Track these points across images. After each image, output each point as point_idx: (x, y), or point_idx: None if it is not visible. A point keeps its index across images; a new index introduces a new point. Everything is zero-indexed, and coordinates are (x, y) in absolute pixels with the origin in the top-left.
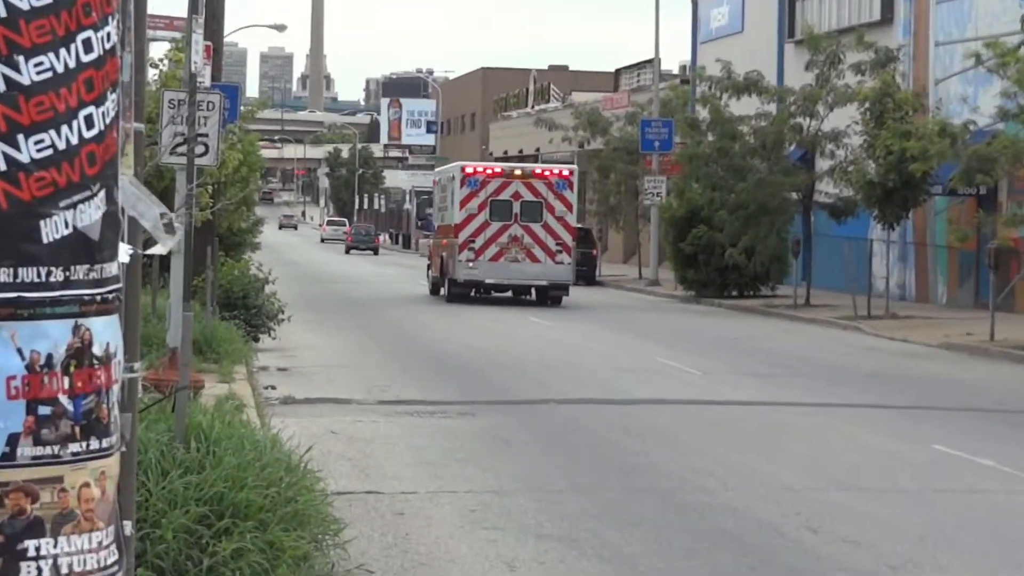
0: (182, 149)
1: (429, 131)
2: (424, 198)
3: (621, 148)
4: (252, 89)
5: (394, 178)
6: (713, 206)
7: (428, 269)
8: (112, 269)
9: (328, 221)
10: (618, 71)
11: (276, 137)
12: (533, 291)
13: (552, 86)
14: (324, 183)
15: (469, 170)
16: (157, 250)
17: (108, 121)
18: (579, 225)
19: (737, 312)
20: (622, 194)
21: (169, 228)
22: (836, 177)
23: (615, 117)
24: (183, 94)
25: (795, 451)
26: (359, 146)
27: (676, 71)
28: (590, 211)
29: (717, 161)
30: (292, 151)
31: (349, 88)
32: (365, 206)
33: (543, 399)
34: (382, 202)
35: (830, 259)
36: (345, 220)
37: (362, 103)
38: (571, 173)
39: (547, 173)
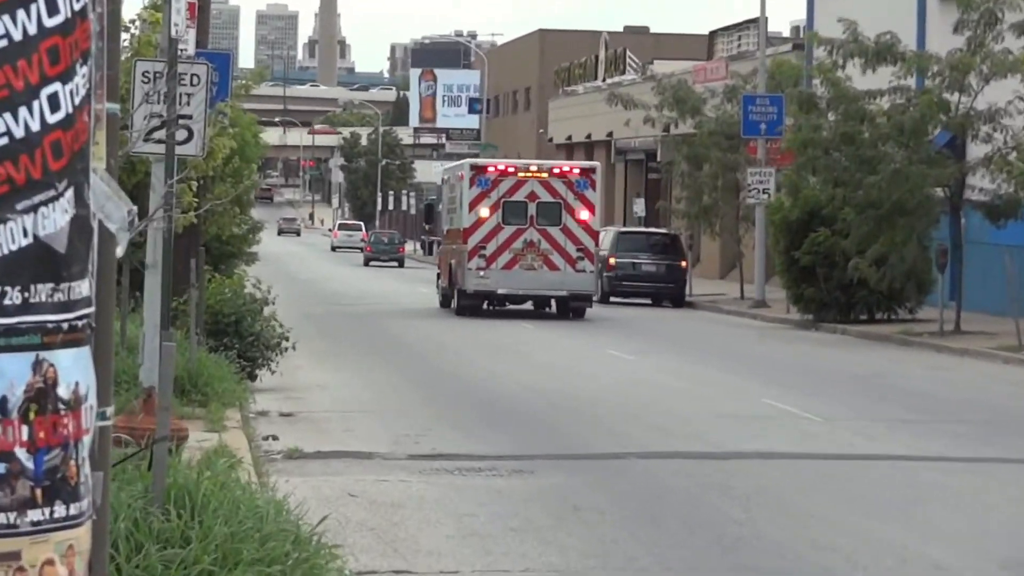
0: (159, 135)
1: (472, 111)
2: (433, 198)
3: (717, 132)
4: (246, 58)
5: (427, 171)
6: (835, 205)
7: (438, 279)
8: (83, 289)
9: (340, 225)
10: (713, 34)
11: (276, 119)
12: (553, 303)
13: (628, 53)
14: (338, 177)
15: (479, 168)
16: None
17: (77, 102)
18: (664, 231)
19: (867, 341)
20: (718, 191)
21: (130, 225)
22: (994, 168)
23: (709, 92)
24: (160, 65)
25: (946, 520)
26: (382, 130)
27: (787, 33)
28: (677, 212)
29: (840, 148)
30: (297, 136)
31: (369, 56)
32: (390, 206)
33: (620, 452)
34: (412, 201)
35: (986, 273)
36: (361, 224)
37: (386, 75)
38: (593, 171)
39: (567, 171)
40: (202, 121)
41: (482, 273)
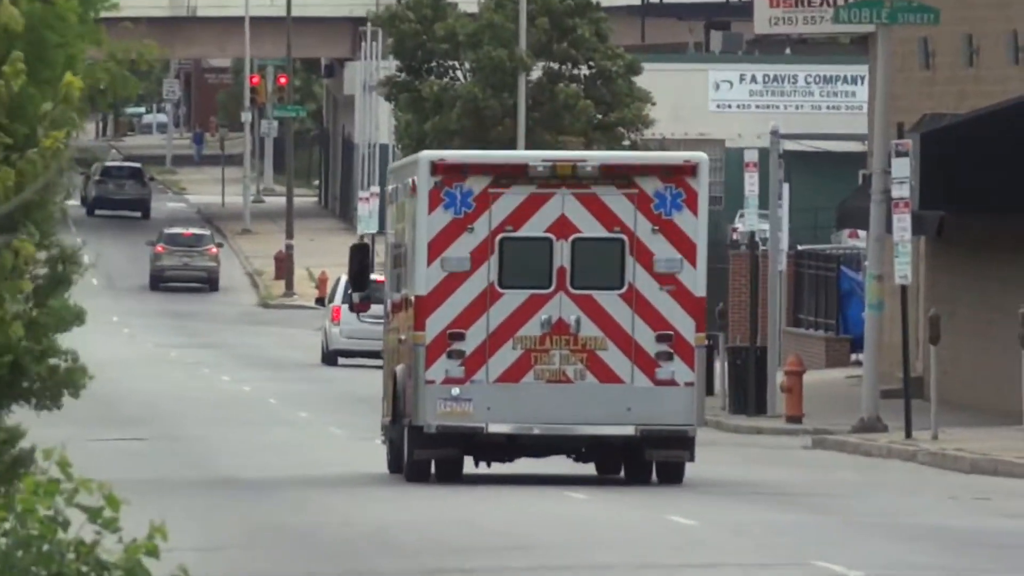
0: None
1: None
2: (367, 235)
3: None
4: None
5: (675, 103)
6: None
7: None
8: None
9: (350, 288)
10: None
11: None
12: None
13: None
14: (369, 133)
15: (449, 168)
16: None
17: None
18: None
19: None
20: None
21: None
22: None
23: None
24: None
25: None
26: None
27: None
28: None
29: None
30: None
31: None
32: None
33: None
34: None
35: None
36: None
37: None
38: (692, 170)
39: (633, 169)
40: None
41: (456, 392)
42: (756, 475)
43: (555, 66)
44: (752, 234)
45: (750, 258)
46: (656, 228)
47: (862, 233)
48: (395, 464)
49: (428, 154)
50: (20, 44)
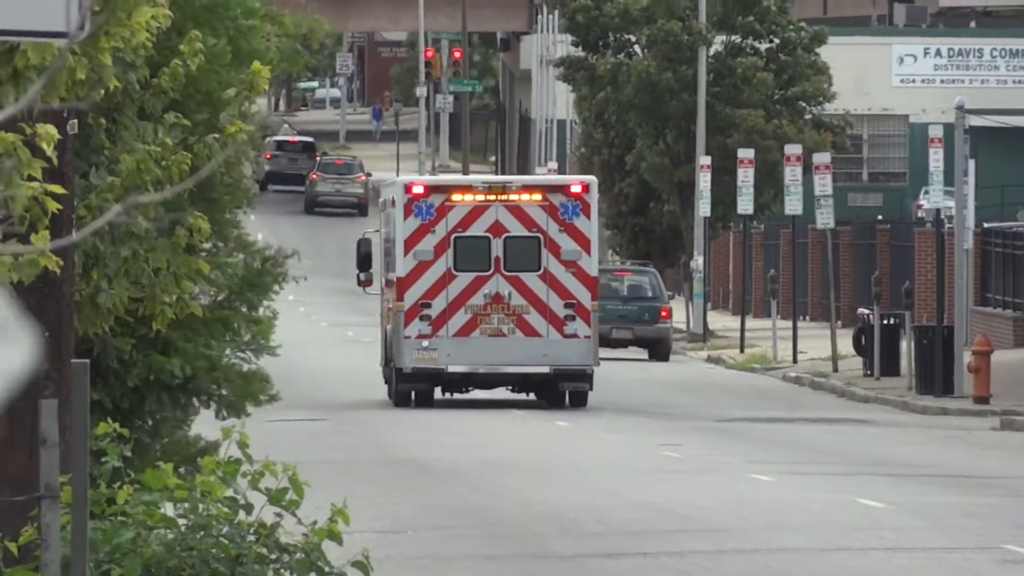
0: None
1: None
2: (371, 232)
3: None
4: None
5: None
6: None
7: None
8: None
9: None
10: None
11: None
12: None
13: None
14: (551, 99)
15: (416, 190)
16: None
17: None
18: None
19: None
20: None
21: None
22: None
23: None
24: None
25: None
26: None
27: None
28: None
29: None
30: None
31: None
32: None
33: None
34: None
35: None
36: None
37: None
38: (587, 189)
39: (546, 188)
40: None
41: (425, 344)
42: (943, 457)
43: (736, 39)
44: (937, 211)
45: (936, 236)
46: (562, 229)
47: None
48: (390, 395)
49: (403, 179)
50: (198, 12)
